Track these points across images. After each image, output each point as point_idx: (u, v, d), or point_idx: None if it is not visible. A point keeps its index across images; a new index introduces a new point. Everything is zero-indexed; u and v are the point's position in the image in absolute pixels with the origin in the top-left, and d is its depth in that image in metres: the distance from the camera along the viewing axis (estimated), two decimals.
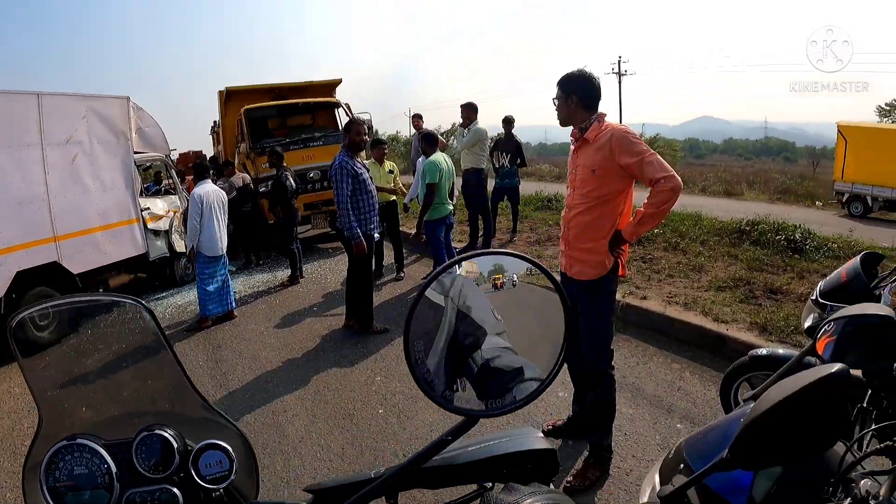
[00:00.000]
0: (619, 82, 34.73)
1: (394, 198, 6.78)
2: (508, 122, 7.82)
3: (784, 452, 0.86)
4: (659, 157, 2.40)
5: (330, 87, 10.27)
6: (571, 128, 2.64)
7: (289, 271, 7.38)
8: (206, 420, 0.96)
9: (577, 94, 2.50)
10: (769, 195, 18.12)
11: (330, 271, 7.73)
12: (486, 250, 0.77)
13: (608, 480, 2.77)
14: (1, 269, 5.11)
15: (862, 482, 0.97)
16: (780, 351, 2.79)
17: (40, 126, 5.52)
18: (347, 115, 9.45)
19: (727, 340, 4.09)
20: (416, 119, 8.41)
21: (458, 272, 0.71)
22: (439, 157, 5.61)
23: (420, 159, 6.17)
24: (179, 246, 7.39)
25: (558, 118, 2.61)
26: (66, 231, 5.76)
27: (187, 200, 7.64)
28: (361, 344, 4.84)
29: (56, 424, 0.90)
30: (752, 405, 0.87)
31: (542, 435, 0.92)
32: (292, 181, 7.18)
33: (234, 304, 5.97)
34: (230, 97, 9.74)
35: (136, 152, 6.90)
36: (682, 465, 1.17)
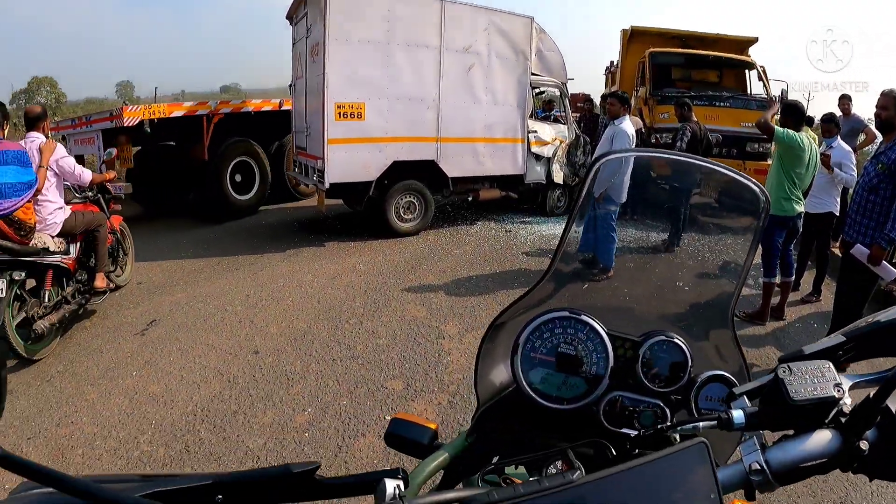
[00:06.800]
0: None
1: None
2: None
3: None
4: None
5: (743, 44, 9.21)
6: None
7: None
8: (721, 352, 0.79)
9: None
10: None
11: None
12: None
13: None
14: (380, 156, 5.50)
15: None
16: None
17: (440, 32, 5.71)
18: (761, 79, 8.36)
19: None
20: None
21: None
22: (803, 134, 4.08)
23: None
24: (557, 177, 7.17)
25: None
26: (449, 135, 5.93)
27: (575, 133, 7.42)
28: None
29: (557, 294, 0.79)
30: None
31: None
32: (684, 140, 5.51)
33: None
34: (633, 37, 9.37)
35: (533, 74, 6.73)
36: None
